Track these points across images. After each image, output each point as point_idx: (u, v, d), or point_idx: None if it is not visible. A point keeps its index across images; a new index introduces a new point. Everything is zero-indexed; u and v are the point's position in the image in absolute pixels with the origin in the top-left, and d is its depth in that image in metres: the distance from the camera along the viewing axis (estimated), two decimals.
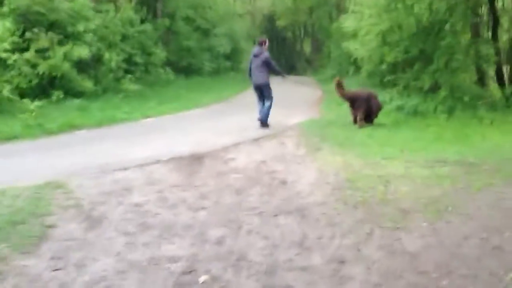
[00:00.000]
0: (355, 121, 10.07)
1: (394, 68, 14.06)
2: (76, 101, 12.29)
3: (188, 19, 24.64)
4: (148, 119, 11.67)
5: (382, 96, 12.19)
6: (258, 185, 5.92)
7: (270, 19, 48.24)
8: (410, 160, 6.96)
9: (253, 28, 43.23)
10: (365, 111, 10.08)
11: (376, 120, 10.46)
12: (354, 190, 5.53)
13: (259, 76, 9.95)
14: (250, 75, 10.30)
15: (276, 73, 10.39)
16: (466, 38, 11.61)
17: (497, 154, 7.44)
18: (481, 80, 12.73)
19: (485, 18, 12.78)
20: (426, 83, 11.69)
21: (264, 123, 9.99)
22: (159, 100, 14.52)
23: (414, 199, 5.15)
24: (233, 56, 29.09)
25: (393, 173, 6.25)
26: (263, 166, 6.84)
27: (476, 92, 11.54)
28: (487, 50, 11.53)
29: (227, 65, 27.52)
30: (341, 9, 33.26)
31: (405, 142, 8.45)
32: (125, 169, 6.53)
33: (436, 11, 11.73)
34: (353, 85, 16.69)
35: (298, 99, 15.42)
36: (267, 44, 10.31)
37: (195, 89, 18.31)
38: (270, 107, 10.04)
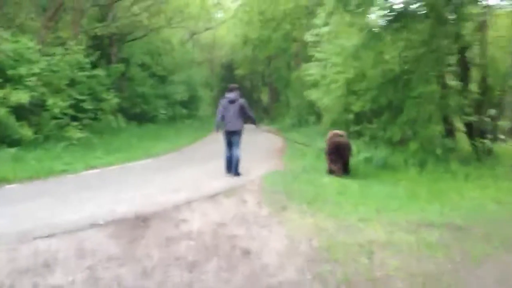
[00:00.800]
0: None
1: (359, 118, 13.44)
2: (11, 151, 10.92)
3: (143, 66, 23.78)
4: (91, 171, 10.41)
5: None
6: (215, 256, 4.83)
7: (229, 67, 48.13)
8: (389, 222, 6.04)
9: (211, 76, 42.85)
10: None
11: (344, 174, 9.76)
12: (333, 264, 4.52)
13: (236, 123, 9.66)
14: (219, 121, 9.82)
15: (251, 119, 10.05)
16: (434, 88, 11.09)
17: (483, 215, 6.67)
18: (450, 132, 12.17)
19: (453, 68, 12.34)
20: (396, 134, 11.02)
21: (237, 173, 9.63)
22: (106, 149, 13.31)
23: (407, 278, 4.19)
24: (190, 103, 28.28)
25: (374, 239, 5.29)
26: (222, 230, 5.76)
27: (447, 145, 10.92)
28: (460, 101, 11.03)
29: (183, 113, 26.63)
30: (299, 59, 33.28)
31: (379, 199, 7.57)
32: (51, 236, 5.30)
33: (405, 59, 11.23)
34: (315, 135, 16.03)
35: (259, 149, 14.49)
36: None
37: (147, 137, 17.19)
38: (239, 156, 9.71)
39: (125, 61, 21.76)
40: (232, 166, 9.72)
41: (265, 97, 49.52)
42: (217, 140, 19.26)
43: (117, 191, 7.95)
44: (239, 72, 45.41)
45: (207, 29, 36.27)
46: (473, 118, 11.30)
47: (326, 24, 14.25)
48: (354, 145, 11.92)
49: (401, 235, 5.47)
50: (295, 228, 5.80)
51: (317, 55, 15.27)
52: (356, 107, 12.45)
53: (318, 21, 14.58)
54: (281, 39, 28.84)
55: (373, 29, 11.27)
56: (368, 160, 10.83)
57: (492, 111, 12.34)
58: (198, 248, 5.08)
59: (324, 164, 10.55)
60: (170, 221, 6.12)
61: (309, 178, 9.03)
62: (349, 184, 8.73)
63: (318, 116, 23.54)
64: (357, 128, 12.91)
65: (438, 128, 10.92)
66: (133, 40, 23.30)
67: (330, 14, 12.41)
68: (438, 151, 10.35)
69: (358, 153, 11.13)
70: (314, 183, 8.60)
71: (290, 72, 36.63)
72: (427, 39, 10.73)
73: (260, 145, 14.65)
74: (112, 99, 17.29)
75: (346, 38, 13.07)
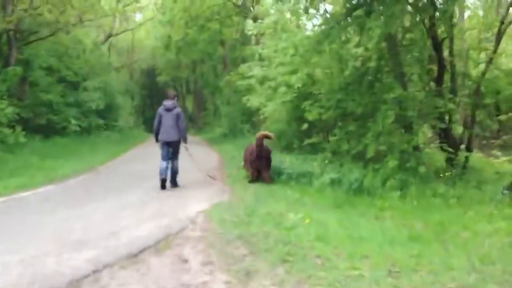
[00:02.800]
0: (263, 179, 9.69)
1: (312, 128, 11.25)
2: None
3: (50, 69, 20.34)
4: None
5: (307, 164, 9.30)
6: None
7: (150, 74, 45.41)
8: None
9: (131, 83, 39.62)
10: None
11: (314, 201, 7.53)
12: None
13: (172, 133, 9.14)
14: (156, 130, 9.37)
15: (181, 134, 9.32)
16: (413, 91, 9.10)
17: None
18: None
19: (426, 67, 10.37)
20: (369, 149, 8.82)
21: (175, 185, 9.39)
22: None
23: None
24: (107, 112, 25.01)
25: None
26: None
27: (427, 160, 8.93)
28: (447, 105, 9.07)
29: (100, 123, 23.36)
30: (227, 63, 31.19)
31: (377, 247, 5.33)
32: None
33: (376, 54, 9.19)
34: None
35: (194, 167, 11.91)
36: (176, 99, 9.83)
37: (54, 154, 14.05)
38: (177, 168, 9.42)
39: (27, 63, 18.39)
40: (170, 180, 9.23)
41: (190, 105, 46.95)
42: (141, 157, 16.44)
43: None
44: (161, 78, 42.84)
45: (125, 30, 33.20)
46: (451, 126, 9.49)
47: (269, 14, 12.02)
48: (312, 162, 9.75)
49: None
50: None
51: (261, 51, 12.83)
52: (311, 115, 10.20)
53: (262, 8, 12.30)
54: (208, 41, 26.35)
55: (333, 18, 9.07)
56: (335, 182, 8.60)
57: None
58: None
59: (284, 188, 8.35)
60: None
61: (269, 212, 6.62)
62: (324, 220, 6.41)
63: (254, 125, 21.34)
64: (312, 141, 10.72)
65: (418, 140, 8.89)
66: (37, 40, 19.93)
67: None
68: (422, 169, 8.31)
69: (322, 174, 8.89)
70: (278, 221, 6.19)
71: (217, 78, 34.50)
72: (401, 30, 8.76)
73: (193, 162, 12.08)
74: (7, 108, 14.04)
75: (294, 33, 10.86)
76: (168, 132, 9.11)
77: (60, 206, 7.42)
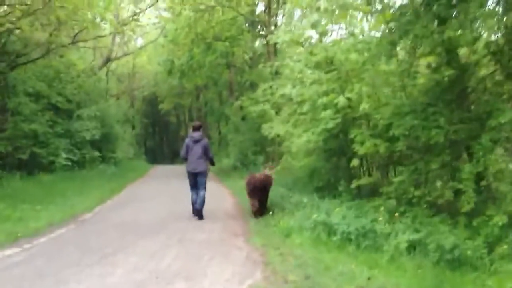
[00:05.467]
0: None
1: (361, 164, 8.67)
2: None
3: (38, 96, 17.87)
4: None
5: (365, 217, 6.76)
6: None
7: (152, 101, 43.59)
8: None
9: (132, 111, 37.45)
10: None
11: (395, 284, 4.93)
12: None
13: (199, 163, 9.51)
14: (183, 159, 9.95)
15: (210, 161, 9.96)
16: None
17: None
18: None
19: None
20: (467, 198, 6.14)
21: (200, 214, 9.48)
22: None
23: None
24: (104, 143, 22.54)
25: None
26: None
27: None
28: None
29: (94, 156, 20.81)
30: (233, 90, 28.91)
31: None
32: None
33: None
34: (280, 188, 11.20)
35: (204, 215, 9.48)
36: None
37: (31, 197, 11.36)
38: (204, 198, 9.53)
39: (10, 89, 16.02)
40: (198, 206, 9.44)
41: None
42: (139, 197, 13.80)
43: None
44: (163, 106, 40.98)
45: (124, 54, 30.99)
46: None
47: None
48: (372, 214, 7.13)
49: None
50: None
51: (292, 65, 10.13)
52: (364, 147, 7.59)
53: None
54: (214, 64, 23.91)
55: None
56: (414, 245, 5.96)
57: None
58: None
59: (341, 258, 5.79)
60: None
61: None
62: None
63: (268, 157, 18.85)
64: (364, 182, 8.12)
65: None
66: (25, 63, 17.60)
67: None
68: None
69: (392, 234, 6.23)
70: None
71: (223, 105, 32.34)
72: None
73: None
74: None
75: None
76: (195, 162, 9.45)
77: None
